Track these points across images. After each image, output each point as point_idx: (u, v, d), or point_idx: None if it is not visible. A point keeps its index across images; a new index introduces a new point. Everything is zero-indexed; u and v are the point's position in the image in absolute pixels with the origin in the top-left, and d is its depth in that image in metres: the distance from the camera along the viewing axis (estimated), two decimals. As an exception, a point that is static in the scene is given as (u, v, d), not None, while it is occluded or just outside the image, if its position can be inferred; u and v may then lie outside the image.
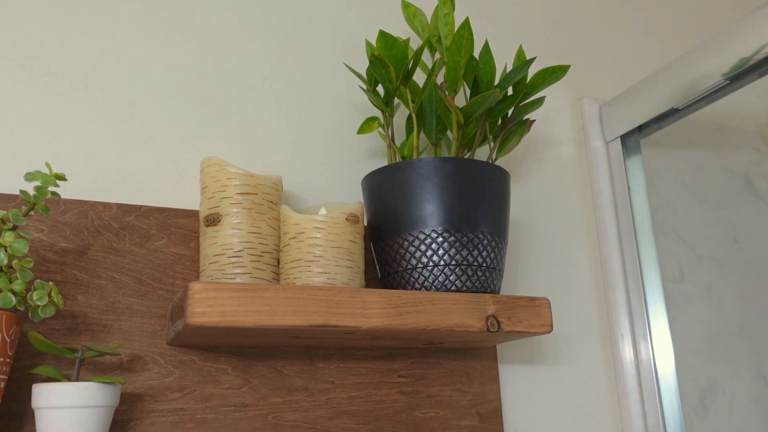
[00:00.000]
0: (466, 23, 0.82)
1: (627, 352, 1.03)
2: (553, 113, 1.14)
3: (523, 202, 1.07)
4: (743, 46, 0.93)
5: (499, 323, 0.76)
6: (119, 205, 0.79)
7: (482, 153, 1.03)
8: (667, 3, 1.35)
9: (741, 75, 0.94)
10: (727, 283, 1.17)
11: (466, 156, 0.90)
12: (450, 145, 0.91)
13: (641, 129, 1.11)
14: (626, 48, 1.26)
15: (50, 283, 0.64)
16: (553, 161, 1.12)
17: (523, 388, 0.97)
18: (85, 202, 0.78)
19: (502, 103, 0.86)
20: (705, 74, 0.98)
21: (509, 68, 1.07)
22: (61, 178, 0.64)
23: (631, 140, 1.12)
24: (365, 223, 0.89)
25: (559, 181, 1.11)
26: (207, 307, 0.64)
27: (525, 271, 1.03)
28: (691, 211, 1.18)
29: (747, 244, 1.21)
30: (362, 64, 1.00)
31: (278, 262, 0.77)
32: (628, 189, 1.09)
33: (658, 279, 1.06)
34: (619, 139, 1.12)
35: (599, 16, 1.25)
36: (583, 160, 1.14)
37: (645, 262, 1.06)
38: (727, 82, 0.95)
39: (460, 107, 0.85)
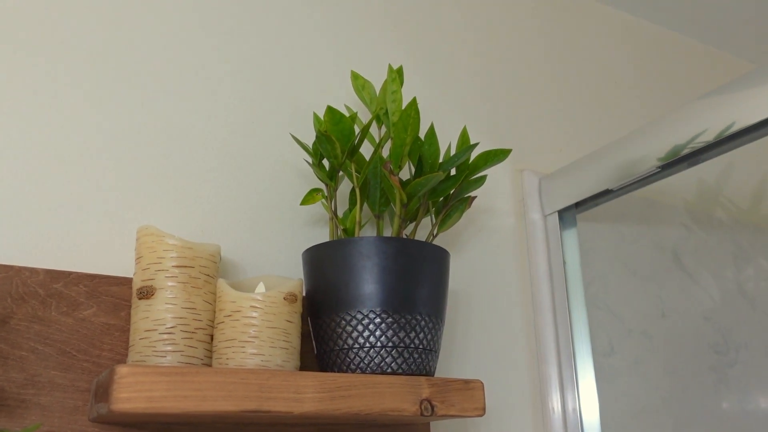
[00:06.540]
0: (413, 103, 0.83)
1: (557, 427, 1.04)
2: (493, 184, 1.16)
3: (462, 273, 1.08)
4: (678, 134, 0.97)
5: (432, 407, 0.76)
6: (48, 271, 0.76)
7: (424, 225, 1.04)
8: (609, 84, 1.40)
9: (673, 163, 0.98)
10: (654, 357, 1.20)
11: (409, 230, 0.91)
12: (393, 215, 0.92)
13: (577, 205, 1.14)
14: (567, 123, 1.30)
15: (-34, 362, 0.61)
16: (493, 232, 1.13)
17: (455, 463, 0.97)
18: (11, 267, 0.74)
19: (445, 182, 0.88)
20: (641, 157, 1.01)
21: (453, 145, 1.09)
22: (-14, 253, 0.61)
23: (567, 214, 1.15)
24: (303, 295, 0.88)
25: (498, 252, 1.13)
26: (133, 393, 0.62)
27: (461, 344, 1.04)
28: (622, 285, 1.22)
29: (674, 318, 1.25)
30: (308, 131, 0.99)
31: (211, 338, 0.75)
32: (564, 262, 1.12)
33: (589, 353, 1.08)
34: (556, 213, 1.14)
35: (541, 93, 1.29)
36: (522, 231, 1.16)
37: (577, 336, 1.08)
38: (658, 170, 0.99)
39: (405, 181, 0.86)
